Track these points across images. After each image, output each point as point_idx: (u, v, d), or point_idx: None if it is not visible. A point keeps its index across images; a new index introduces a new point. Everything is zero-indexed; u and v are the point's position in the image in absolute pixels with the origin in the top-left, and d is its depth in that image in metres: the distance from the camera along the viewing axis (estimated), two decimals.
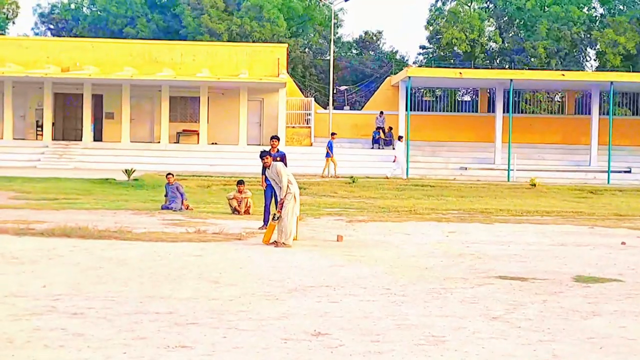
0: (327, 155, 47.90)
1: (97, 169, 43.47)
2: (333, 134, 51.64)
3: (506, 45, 65.98)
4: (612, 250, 18.49)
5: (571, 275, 14.69)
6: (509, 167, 47.58)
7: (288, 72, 54.89)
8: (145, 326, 9.68)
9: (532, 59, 62.65)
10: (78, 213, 24.38)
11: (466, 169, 49.05)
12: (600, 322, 10.50)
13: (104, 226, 20.71)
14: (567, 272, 15.21)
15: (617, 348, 9.11)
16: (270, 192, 21.23)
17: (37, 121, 51.51)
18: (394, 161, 48.18)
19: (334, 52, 60.05)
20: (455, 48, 64.96)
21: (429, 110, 57.59)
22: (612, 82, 49.70)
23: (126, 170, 40.30)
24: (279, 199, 18.75)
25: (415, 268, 15.30)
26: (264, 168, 20.36)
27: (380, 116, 53.80)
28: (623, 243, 19.60)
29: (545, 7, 64.16)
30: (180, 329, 9.60)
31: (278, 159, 20.31)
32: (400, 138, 49.72)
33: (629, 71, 59.32)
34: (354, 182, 41.18)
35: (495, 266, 15.73)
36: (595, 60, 66.09)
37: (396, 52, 77.10)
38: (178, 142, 52.61)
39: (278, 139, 23.84)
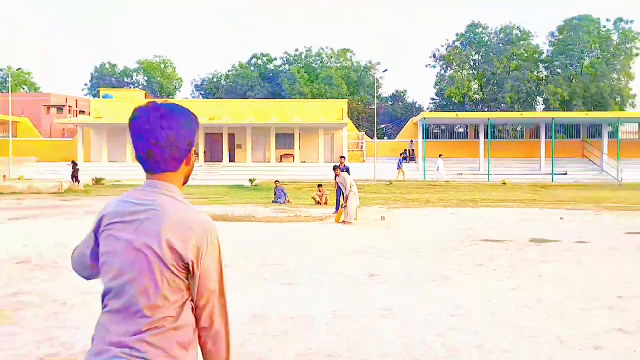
0: (399, 167, 47.78)
1: (232, 179, 44.12)
2: (402, 154, 52.55)
3: (485, 96, 65.89)
4: (555, 223, 18.52)
5: (528, 239, 14.91)
6: (489, 172, 48.33)
7: (348, 117, 55.87)
8: (266, 271, 10.70)
9: (502, 105, 63.69)
10: (221, 206, 24.92)
11: (461, 174, 49.19)
12: (546, 267, 11.20)
13: (238, 213, 21.20)
14: (526, 236, 15.31)
15: (557, 281, 9.84)
16: (339, 192, 20.88)
17: (195, 151, 52.34)
18: (437, 170, 47.78)
19: (377, 103, 61.01)
20: (453, 99, 64.75)
21: (437, 139, 57.03)
22: (553, 119, 50.47)
23: (250, 180, 40.88)
24: (345, 195, 19.07)
25: (431, 236, 15.59)
26: (335, 176, 20.65)
27: (411, 143, 54.38)
28: (561, 218, 19.76)
29: (510, 72, 64.49)
30: (290, 274, 10.48)
31: (345, 171, 20.61)
32: (440, 156, 49.53)
33: (565, 111, 59.45)
34: (391, 184, 40.82)
35: (481, 234, 15.86)
36: (542, 104, 65.87)
37: (416, 102, 77.20)
38: (281, 162, 52.92)
39: (344, 158, 24.51)
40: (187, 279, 2.30)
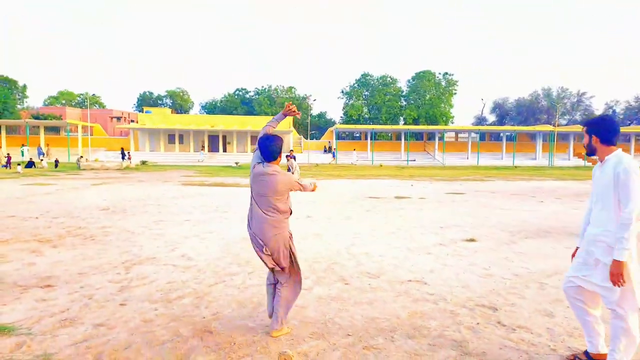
0: (333, 156, 47.42)
1: (224, 162, 42.54)
2: (325, 149, 52.35)
3: (371, 115, 65.62)
4: (408, 187, 16.46)
5: (394, 196, 13.63)
6: (372, 159, 47.96)
7: (293, 127, 54.44)
8: (245, 213, 12.09)
9: (380, 121, 63.23)
10: (219, 177, 23.86)
11: (357, 161, 46.64)
12: (403, 211, 10.60)
13: (228, 182, 20.49)
14: (392, 195, 13.98)
15: (408, 219, 9.65)
16: (289, 170, 19.59)
17: (202, 145, 50.06)
18: (333, 157, 47.55)
19: (309, 118, 61.03)
20: (353, 117, 63.43)
21: (344, 140, 57.78)
22: (408, 129, 49.94)
23: (235, 163, 39.79)
24: (292, 172, 18.34)
25: (341, 195, 14.70)
26: (287, 160, 19.83)
27: (329, 143, 53.11)
28: (412, 185, 17.42)
29: (385, 102, 64.96)
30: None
31: (293, 158, 19.92)
32: (354, 149, 49.42)
33: (414, 125, 61.86)
34: (317, 165, 40.32)
35: (368, 193, 14.43)
36: (403, 121, 67.19)
37: (331, 118, 76.29)
38: (254, 152, 52.64)
39: (293, 151, 23.77)
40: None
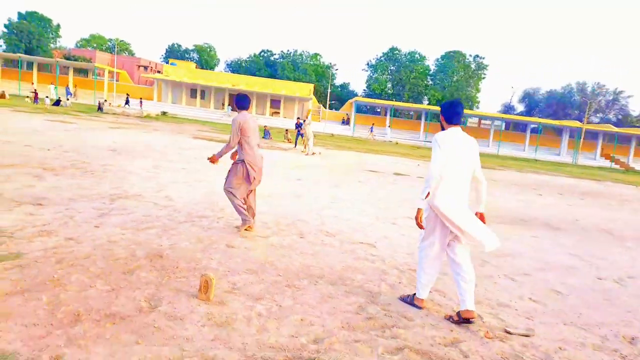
0: (371, 130, 45.84)
1: None
2: (343, 120, 52.54)
3: (394, 92, 64.45)
4: (412, 167, 16.35)
5: (393, 172, 13.83)
6: (389, 136, 47.99)
7: (313, 94, 53.86)
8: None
9: (402, 98, 62.38)
10: (229, 135, 25.59)
11: (375, 136, 45.92)
12: (392, 186, 10.85)
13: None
14: (392, 171, 14.16)
15: (391, 191, 9.90)
16: (298, 134, 20.66)
17: (222, 104, 50.83)
18: (371, 131, 45.55)
19: (330, 88, 61.04)
20: (375, 91, 63.06)
21: (364, 113, 57.29)
22: (429, 109, 48.39)
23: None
24: (305, 137, 18.87)
25: (341, 165, 14.86)
26: (297, 125, 20.86)
27: (348, 115, 53.04)
28: (418, 165, 13.46)
29: (410, 79, 63.89)
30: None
31: (301, 126, 20.12)
32: (372, 124, 48.39)
33: (438, 106, 60.18)
34: (332, 136, 40.47)
35: (369, 167, 14.83)
36: (427, 101, 66.53)
37: (354, 90, 74.97)
38: (272, 116, 51.36)
39: (300, 118, 23.03)
40: None
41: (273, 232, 5.70)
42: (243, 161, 5.31)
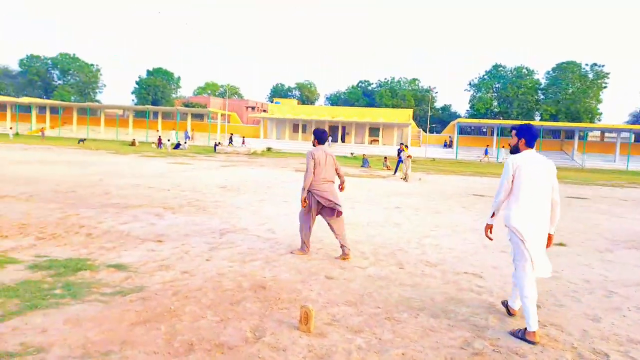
0: (486, 153, 44.70)
1: (342, 152, 43.85)
2: (445, 143, 51.31)
3: (500, 110, 61.83)
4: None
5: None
6: (497, 156, 44.89)
7: (412, 119, 53.68)
8: (346, 200, 10.65)
9: (511, 116, 59.44)
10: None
11: (480, 158, 44.32)
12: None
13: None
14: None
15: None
16: (399, 161, 20.34)
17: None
18: (485, 154, 44.19)
19: (430, 112, 60.00)
20: (480, 111, 60.43)
21: (468, 134, 55.51)
22: (542, 126, 44.93)
23: (351, 153, 40.06)
24: (404, 165, 18.50)
25: (444, 190, 14.20)
26: (399, 153, 20.21)
27: (450, 138, 51.46)
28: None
29: (518, 95, 60.75)
30: (354, 202, 10.70)
31: (402, 151, 19.72)
32: (487, 146, 46.68)
33: (552, 121, 55.94)
34: (434, 160, 39.22)
35: (473, 191, 14.02)
36: (539, 117, 61.84)
37: (456, 112, 73.58)
38: (371, 144, 51.34)
39: (403, 144, 21.38)
40: None
41: (371, 262, 5.66)
42: (309, 191, 5.64)
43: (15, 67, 78.84)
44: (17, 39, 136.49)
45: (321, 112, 56.50)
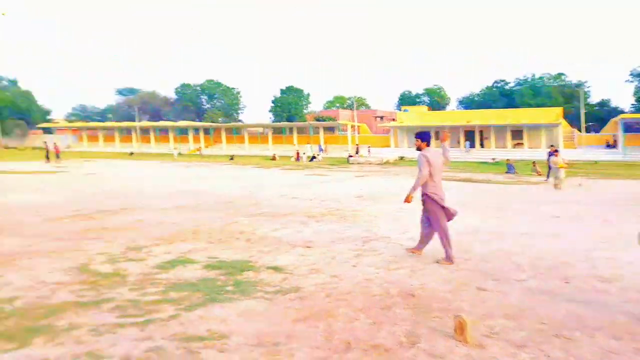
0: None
1: (480, 158, 41.03)
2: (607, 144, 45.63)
3: None
4: None
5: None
6: None
7: (563, 118, 48.31)
8: (488, 206, 10.57)
9: None
10: (467, 173, 23.49)
11: None
12: None
13: (477, 178, 20.42)
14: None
15: None
16: (550, 167, 17.21)
17: (457, 141, 50.29)
18: None
19: (584, 109, 53.43)
20: None
21: (636, 132, 48.29)
22: None
23: (492, 159, 38.09)
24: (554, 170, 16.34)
25: (606, 198, 12.35)
26: (549, 157, 17.43)
27: (614, 137, 45.14)
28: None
29: None
30: (501, 210, 10.18)
31: (552, 155, 16.98)
32: None
33: None
34: (596, 163, 34.53)
35: None
36: None
37: (617, 107, 63.57)
38: (515, 148, 46.96)
39: (553, 146, 19.95)
40: None
41: (529, 275, 5.25)
42: (427, 195, 5.65)
43: (171, 95, 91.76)
44: (170, 70, 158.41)
45: (454, 117, 54.34)
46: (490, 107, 66.71)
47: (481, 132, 51.62)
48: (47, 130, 75.51)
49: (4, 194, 12.45)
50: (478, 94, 75.69)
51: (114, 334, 3.39)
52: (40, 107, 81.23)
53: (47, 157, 31.49)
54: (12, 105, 71.84)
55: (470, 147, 50.56)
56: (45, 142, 36.94)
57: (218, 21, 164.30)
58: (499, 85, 73.39)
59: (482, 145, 51.29)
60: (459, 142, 50.94)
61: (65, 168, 25.87)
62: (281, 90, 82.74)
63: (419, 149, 5.88)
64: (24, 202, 10.87)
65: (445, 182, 16.70)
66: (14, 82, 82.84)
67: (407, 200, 5.71)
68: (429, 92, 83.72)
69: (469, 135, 52.65)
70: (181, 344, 3.24)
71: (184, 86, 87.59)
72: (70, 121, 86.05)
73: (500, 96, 70.29)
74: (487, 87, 74.13)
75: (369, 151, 46.38)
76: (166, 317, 3.73)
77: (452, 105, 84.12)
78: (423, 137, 5.85)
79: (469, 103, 76.61)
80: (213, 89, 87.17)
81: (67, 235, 6.98)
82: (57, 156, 32.06)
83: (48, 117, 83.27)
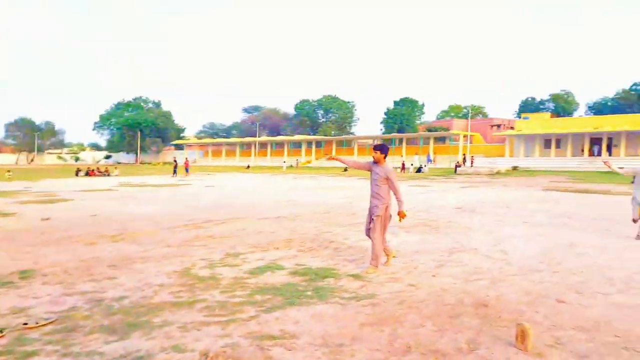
0: None
1: (606, 168, 37.87)
2: None
3: None
4: None
5: None
6: None
7: None
8: (600, 221, 10.11)
9: None
10: (589, 184, 22.15)
11: None
12: None
13: (596, 189, 19.10)
14: None
15: None
16: None
17: (581, 149, 46.18)
18: None
19: None
20: None
21: None
22: None
23: (619, 167, 34.57)
24: None
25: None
26: None
27: None
28: None
29: None
30: (614, 226, 9.57)
31: None
32: None
33: None
34: None
35: None
36: None
37: None
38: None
39: None
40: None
41: (619, 290, 4.97)
42: (387, 206, 5.90)
43: (291, 111, 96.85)
44: (291, 89, 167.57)
45: (579, 124, 49.54)
46: (624, 112, 59.44)
47: (610, 139, 46.43)
48: (178, 147, 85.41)
49: (130, 206, 13.55)
50: (612, 99, 68.06)
51: (198, 331, 3.87)
52: (176, 125, 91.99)
53: (175, 172, 35.28)
54: (153, 125, 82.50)
55: (597, 154, 45.68)
56: (175, 158, 41.82)
57: (339, 36, 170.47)
58: (638, 87, 64.73)
59: (610, 153, 45.90)
60: (582, 151, 46.41)
61: (188, 181, 28.62)
62: (394, 101, 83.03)
63: (377, 162, 5.85)
64: (146, 213, 11.75)
65: (558, 193, 15.95)
66: (157, 105, 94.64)
67: (401, 215, 5.77)
68: (554, 97, 77.39)
69: (595, 142, 47.62)
70: (254, 342, 3.66)
71: (303, 102, 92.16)
72: (199, 138, 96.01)
73: (639, 100, 62.04)
74: (624, 91, 65.85)
75: (472, 161, 44.21)
76: (247, 317, 4.19)
77: (581, 111, 76.59)
78: (384, 149, 5.88)
79: (600, 108, 69.28)
80: (329, 104, 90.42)
81: (178, 242, 7.75)
82: (186, 170, 35.87)
83: (182, 135, 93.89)
